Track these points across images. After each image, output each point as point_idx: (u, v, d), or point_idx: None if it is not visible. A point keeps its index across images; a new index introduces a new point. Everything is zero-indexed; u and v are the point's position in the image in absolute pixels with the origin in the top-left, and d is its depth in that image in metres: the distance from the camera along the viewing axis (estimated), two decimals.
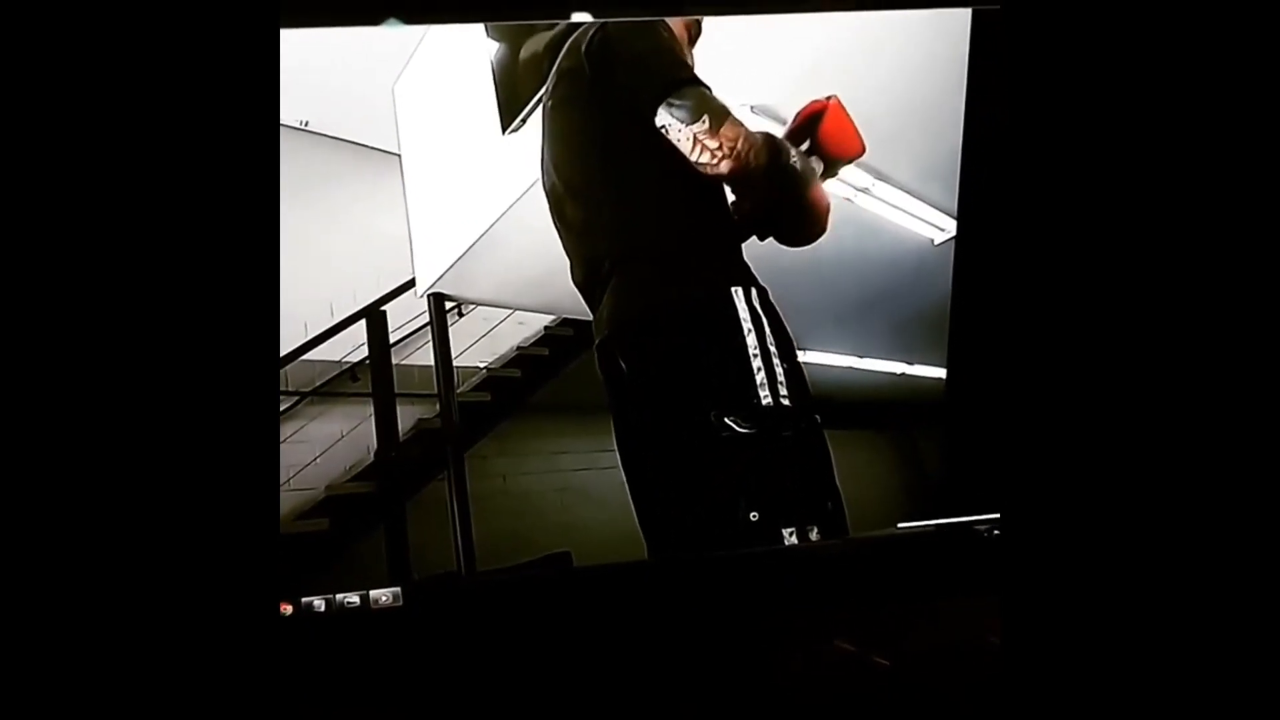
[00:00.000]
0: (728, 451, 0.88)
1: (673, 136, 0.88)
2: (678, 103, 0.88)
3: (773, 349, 0.87)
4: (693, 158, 0.89)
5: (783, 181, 0.94)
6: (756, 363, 0.87)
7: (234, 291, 0.68)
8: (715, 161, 0.88)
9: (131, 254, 0.66)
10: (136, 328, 0.66)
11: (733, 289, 0.87)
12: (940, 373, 1.28)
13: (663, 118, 0.88)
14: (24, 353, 0.64)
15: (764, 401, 0.87)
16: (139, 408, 0.65)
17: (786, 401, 0.87)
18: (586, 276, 0.97)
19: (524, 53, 1.41)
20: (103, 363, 0.65)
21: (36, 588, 0.63)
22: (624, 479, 0.97)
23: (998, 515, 1.12)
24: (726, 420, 0.86)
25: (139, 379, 0.66)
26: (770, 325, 0.88)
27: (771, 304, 0.89)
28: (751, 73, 1.28)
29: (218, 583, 0.65)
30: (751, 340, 0.87)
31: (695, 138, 0.88)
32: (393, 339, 1.58)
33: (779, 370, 0.88)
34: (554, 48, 1.20)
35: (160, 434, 0.66)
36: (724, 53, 1.23)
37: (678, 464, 0.92)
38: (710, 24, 1.14)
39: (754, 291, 0.89)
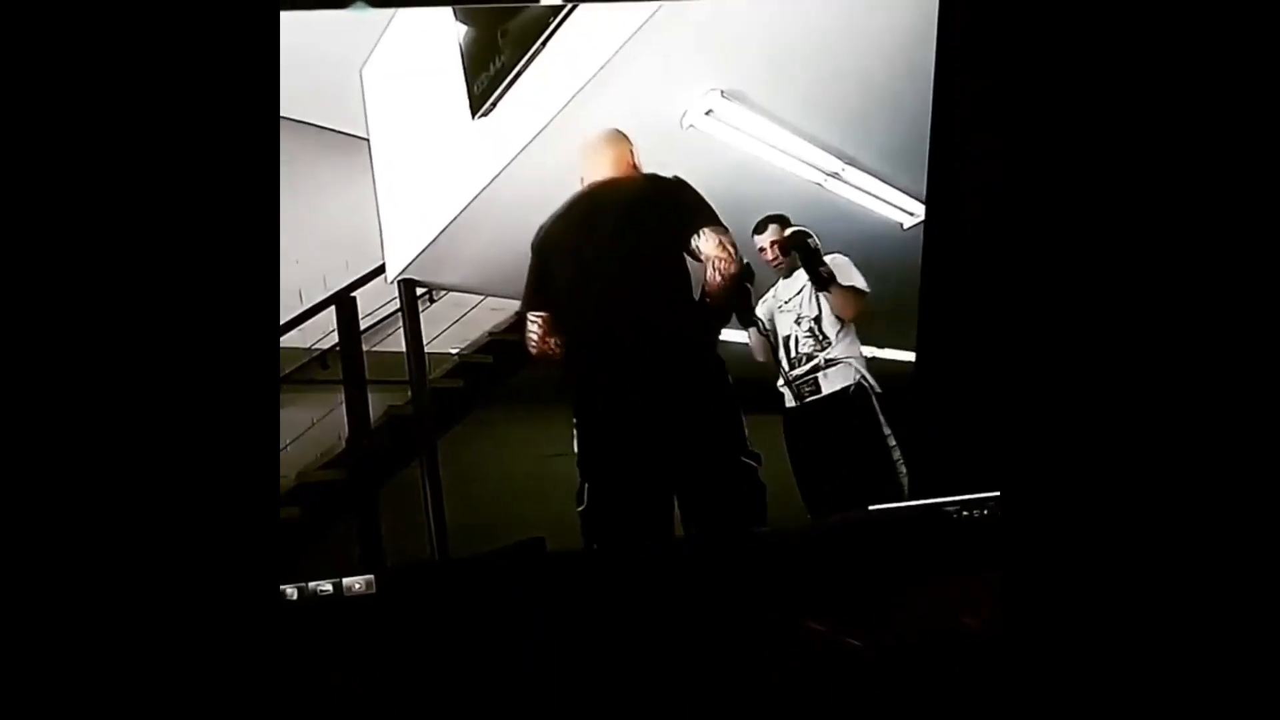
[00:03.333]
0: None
1: (703, 244, 1.28)
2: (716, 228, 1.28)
3: None
4: (713, 254, 1.28)
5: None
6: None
7: (232, 283, 0.68)
8: (729, 261, 1.29)
9: (130, 243, 0.66)
10: (134, 317, 0.66)
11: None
12: (909, 356, 1.29)
13: (703, 234, 1.28)
14: (21, 345, 0.63)
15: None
16: (137, 398, 0.65)
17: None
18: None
19: (493, 37, 1.40)
20: (100, 352, 0.65)
21: (35, 577, 0.62)
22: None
23: (969, 496, 1.13)
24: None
25: (137, 368, 0.65)
26: None
27: None
28: (721, 57, 1.28)
29: (218, 570, 0.65)
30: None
31: (722, 243, 1.27)
32: (363, 325, 1.57)
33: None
34: (524, 32, 1.30)
35: (156, 424, 0.65)
36: (694, 38, 1.23)
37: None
38: (680, 9, 1.14)
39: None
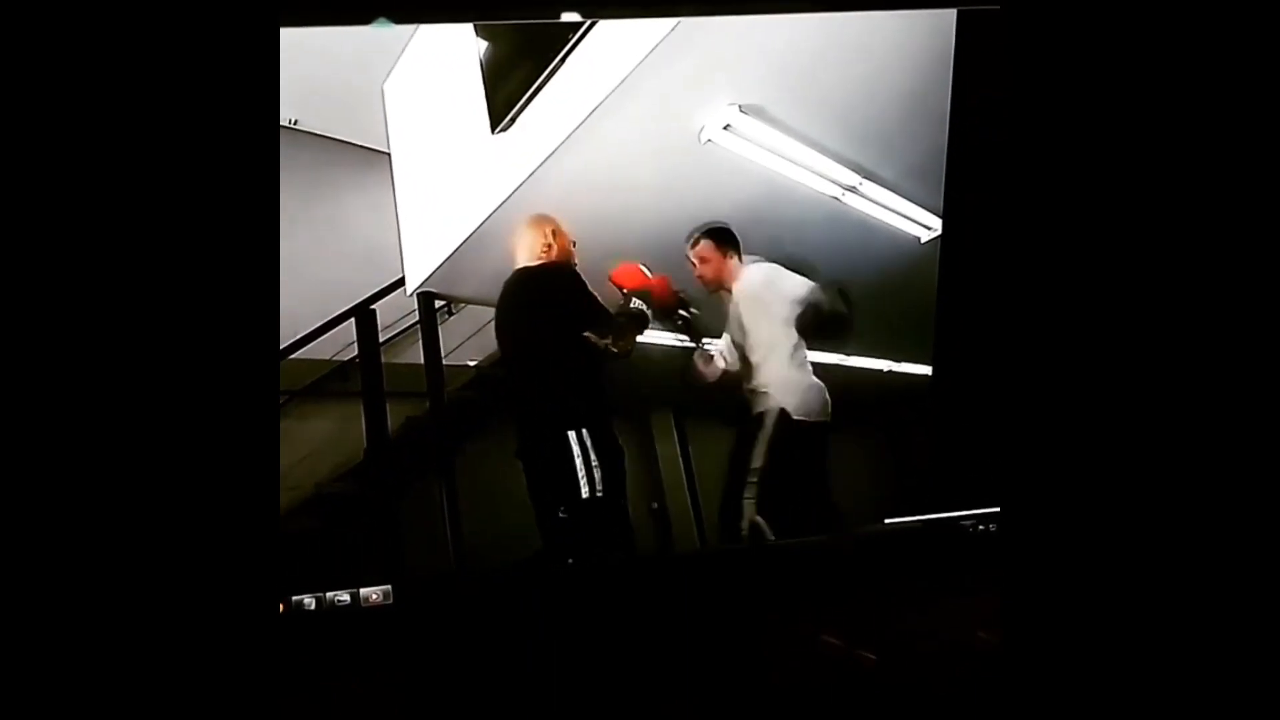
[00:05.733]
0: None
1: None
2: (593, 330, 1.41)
3: (594, 462, 1.33)
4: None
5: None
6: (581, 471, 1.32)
7: (233, 292, 0.68)
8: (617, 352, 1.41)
9: (132, 253, 0.67)
10: (137, 328, 0.66)
11: (568, 431, 1.34)
12: (925, 370, 1.29)
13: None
14: (23, 356, 0.64)
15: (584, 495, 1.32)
16: (140, 409, 0.66)
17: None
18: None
19: (513, 52, 1.42)
20: (104, 364, 0.65)
21: (40, 584, 0.63)
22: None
23: (984, 510, 1.13)
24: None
25: (140, 380, 0.66)
26: (595, 448, 1.34)
27: (597, 435, 1.35)
28: (740, 74, 1.29)
29: (219, 580, 0.66)
30: (579, 464, 1.32)
31: (607, 346, 1.40)
32: (382, 338, 1.58)
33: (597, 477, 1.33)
34: (544, 47, 1.32)
35: (162, 434, 0.66)
36: (712, 54, 1.24)
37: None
38: (698, 25, 1.15)
39: (585, 430, 1.33)
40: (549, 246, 1.41)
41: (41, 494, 0.63)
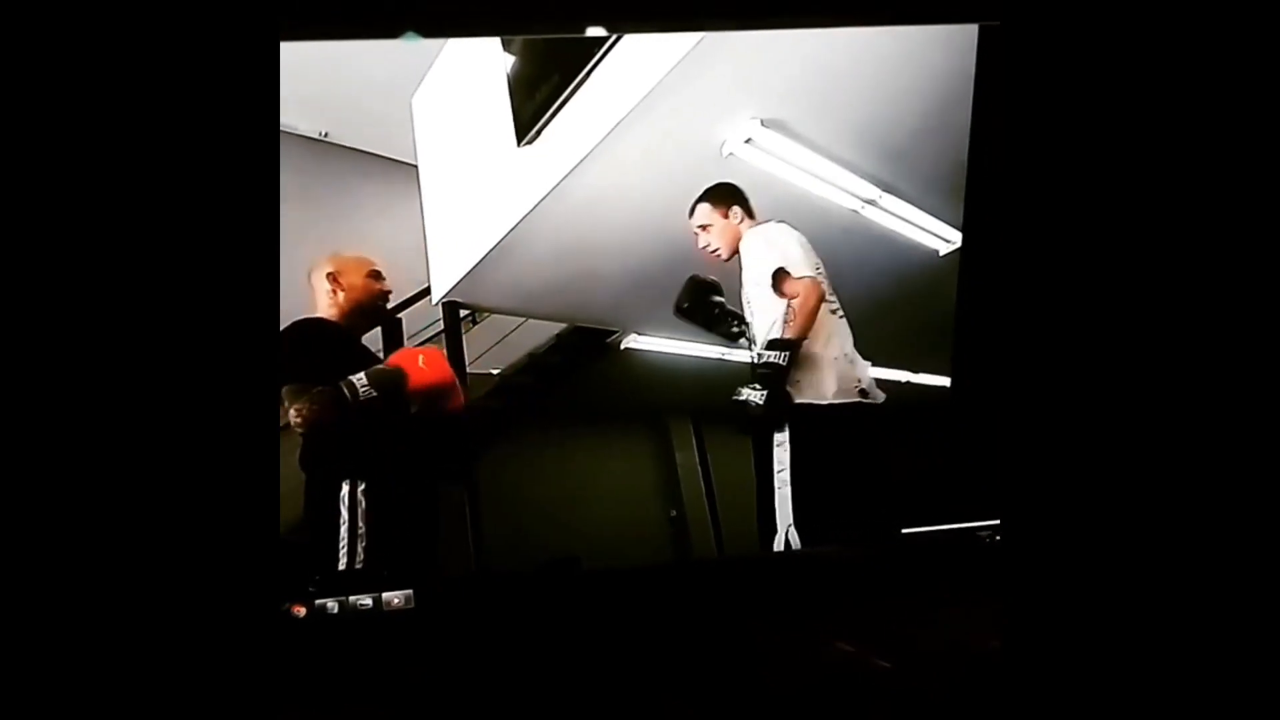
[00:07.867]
0: None
1: None
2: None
3: (360, 525, 1.18)
4: None
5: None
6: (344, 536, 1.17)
7: (235, 299, 0.70)
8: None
9: (135, 263, 0.69)
10: (140, 337, 0.69)
11: (342, 481, 1.18)
12: (944, 381, 1.29)
13: None
14: (29, 362, 0.66)
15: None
16: (145, 416, 0.68)
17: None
18: None
19: (539, 66, 1.44)
20: (108, 371, 0.68)
21: (44, 592, 0.65)
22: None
23: (1000, 521, 1.13)
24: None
25: (145, 388, 0.68)
26: (365, 506, 1.19)
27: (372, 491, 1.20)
28: (763, 88, 1.30)
29: (222, 586, 0.67)
30: (345, 514, 1.17)
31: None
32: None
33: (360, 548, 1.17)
34: (569, 62, 1.34)
35: (168, 442, 0.68)
36: (735, 68, 1.25)
37: None
38: (721, 40, 1.17)
39: (359, 484, 1.18)
40: (333, 292, 1.27)
41: (42, 497, 0.66)
